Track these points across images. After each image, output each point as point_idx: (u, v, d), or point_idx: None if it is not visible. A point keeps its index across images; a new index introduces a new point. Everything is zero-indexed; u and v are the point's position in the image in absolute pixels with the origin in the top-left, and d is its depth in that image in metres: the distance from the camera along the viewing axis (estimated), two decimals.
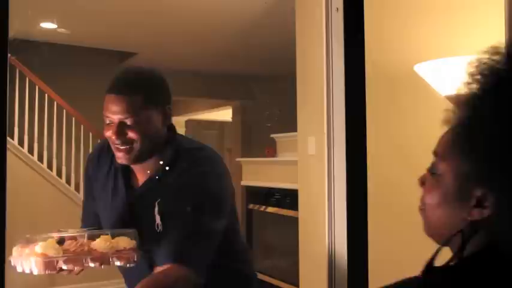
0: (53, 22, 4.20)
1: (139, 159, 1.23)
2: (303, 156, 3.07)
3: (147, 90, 1.20)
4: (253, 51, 5.12)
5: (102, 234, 1.11)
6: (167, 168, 1.25)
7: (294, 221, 3.31)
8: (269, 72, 5.90)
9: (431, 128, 2.65)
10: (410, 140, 2.67)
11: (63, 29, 4.40)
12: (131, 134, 1.17)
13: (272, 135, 4.64)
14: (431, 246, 2.37)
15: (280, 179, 4.11)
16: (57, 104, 4.69)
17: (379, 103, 2.68)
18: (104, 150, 1.34)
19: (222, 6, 3.89)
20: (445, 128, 0.74)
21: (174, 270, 1.15)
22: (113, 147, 1.21)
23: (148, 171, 1.26)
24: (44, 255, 1.04)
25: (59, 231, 1.15)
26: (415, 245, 2.60)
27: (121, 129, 1.17)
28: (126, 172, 1.29)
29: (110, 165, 1.32)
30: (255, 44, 4.83)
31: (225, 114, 7.37)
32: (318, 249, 2.88)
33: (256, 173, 4.59)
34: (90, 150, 1.45)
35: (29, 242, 1.09)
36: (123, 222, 1.26)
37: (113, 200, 1.30)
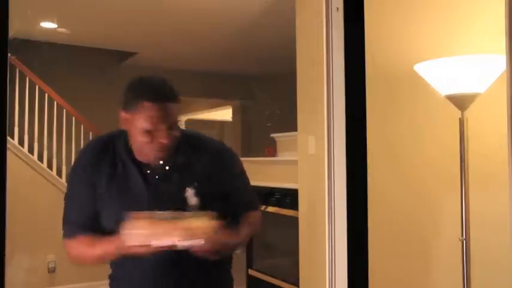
0: (53, 22, 4.20)
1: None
2: (303, 155, 3.07)
3: (177, 97, 1.35)
4: (253, 50, 5.12)
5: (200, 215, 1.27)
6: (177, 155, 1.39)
7: (294, 220, 3.30)
8: (269, 71, 5.90)
9: (427, 128, 2.65)
10: (404, 140, 2.67)
11: (63, 29, 4.40)
12: (173, 136, 1.33)
13: (272, 135, 4.64)
14: (429, 242, 2.37)
15: (280, 179, 4.11)
16: (57, 103, 4.69)
17: (378, 102, 2.68)
18: (98, 151, 1.42)
19: (222, 5, 3.89)
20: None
21: (254, 214, 1.55)
22: (150, 148, 1.32)
23: (161, 162, 1.37)
24: (202, 228, 1.21)
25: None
26: (413, 242, 2.61)
27: (169, 134, 1.31)
28: (138, 166, 1.38)
29: (113, 163, 1.39)
30: (254, 43, 4.83)
31: (225, 114, 7.36)
32: (318, 249, 2.88)
33: (256, 173, 4.59)
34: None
35: (153, 217, 1.22)
36: (140, 209, 1.34)
37: (125, 193, 1.38)
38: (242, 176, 1.57)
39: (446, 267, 2.40)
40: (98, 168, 1.39)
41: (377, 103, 2.49)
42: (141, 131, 1.29)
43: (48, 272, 4.38)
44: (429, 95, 2.39)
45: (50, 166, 4.61)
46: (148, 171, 1.38)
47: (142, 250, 1.21)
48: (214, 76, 6.23)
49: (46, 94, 4.65)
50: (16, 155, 4.35)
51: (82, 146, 4.76)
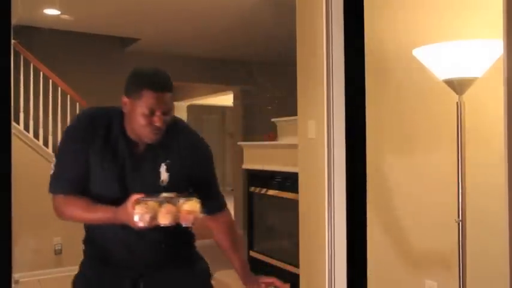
0: (56, 8, 4.21)
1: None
2: (303, 139, 3.10)
3: (172, 87, 1.53)
4: (253, 35, 5.12)
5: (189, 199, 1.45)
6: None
7: (295, 203, 3.35)
8: (270, 57, 5.90)
9: (425, 112, 2.67)
10: (402, 124, 2.70)
11: (66, 16, 4.42)
12: (166, 120, 1.51)
13: (273, 119, 4.67)
14: (427, 222, 2.39)
15: (280, 163, 4.15)
16: (61, 89, 4.73)
17: (377, 86, 2.71)
18: (96, 123, 1.58)
19: None
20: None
21: (227, 213, 1.79)
22: (147, 130, 1.51)
23: (146, 141, 1.56)
24: (190, 212, 1.41)
25: (147, 196, 1.43)
26: (412, 223, 2.65)
27: (164, 119, 1.50)
28: (128, 142, 1.57)
29: (107, 136, 1.56)
30: (255, 28, 4.83)
31: (226, 99, 7.38)
32: (317, 231, 2.93)
33: (257, 157, 4.63)
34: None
35: (148, 201, 1.41)
36: (124, 181, 1.56)
37: (113, 163, 1.56)
38: (212, 170, 1.76)
39: (442, 245, 2.46)
40: (93, 136, 1.55)
41: (376, 87, 2.52)
42: (141, 114, 1.48)
43: (55, 254, 4.48)
44: (427, 79, 2.41)
45: (55, 151, 4.65)
46: (135, 147, 1.58)
47: (143, 226, 1.39)
48: (215, 62, 6.24)
49: (50, 80, 4.68)
50: (21, 139, 4.40)
51: None
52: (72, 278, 1.69)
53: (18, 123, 4.42)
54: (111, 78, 5.40)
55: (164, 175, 1.60)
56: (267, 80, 6.04)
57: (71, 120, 1.64)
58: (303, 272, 3.17)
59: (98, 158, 1.55)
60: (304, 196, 3.14)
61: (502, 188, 1.36)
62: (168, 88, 1.51)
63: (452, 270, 2.19)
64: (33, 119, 4.57)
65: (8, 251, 1.16)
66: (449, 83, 2.12)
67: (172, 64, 6.08)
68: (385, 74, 2.74)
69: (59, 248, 4.50)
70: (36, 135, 4.57)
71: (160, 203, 1.41)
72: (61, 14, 4.36)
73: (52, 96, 4.68)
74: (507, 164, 1.29)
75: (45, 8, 4.20)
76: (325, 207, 1.76)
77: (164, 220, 1.39)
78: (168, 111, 1.51)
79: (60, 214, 1.61)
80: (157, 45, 5.55)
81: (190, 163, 1.65)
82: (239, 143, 5.19)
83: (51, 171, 1.62)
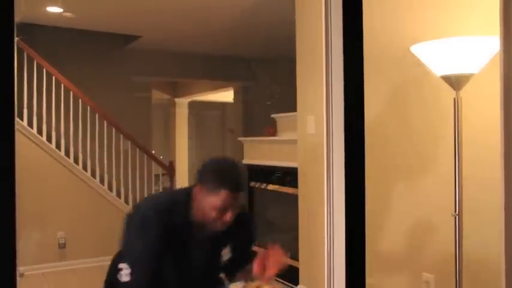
0: (58, 6, 4.24)
1: None
2: (302, 135, 3.14)
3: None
4: (254, 32, 5.15)
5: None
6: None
7: (295, 198, 3.39)
8: (269, 53, 5.92)
9: (424, 107, 2.68)
10: (402, 118, 2.73)
11: (68, 13, 4.45)
12: (235, 215, 1.58)
13: (272, 115, 4.70)
14: (423, 218, 2.41)
15: (280, 158, 4.18)
16: (64, 86, 4.78)
17: (376, 82, 2.74)
18: (170, 214, 1.61)
19: None
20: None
21: None
22: (215, 223, 1.57)
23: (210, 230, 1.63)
24: None
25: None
26: (409, 217, 2.68)
27: (234, 215, 1.57)
28: (192, 227, 1.63)
29: (172, 225, 1.59)
30: (255, 25, 4.86)
31: (226, 95, 7.41)
32: (316, 225, 2.97)
33: (257, 152, 4.66)
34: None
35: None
36: (189, 264, 1.66)
37: (186, 249, 1.65)
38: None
39: (439, 238, 2.49)
40: (161, 231, 1.57)
41: (374, 83, 2.54)
42: (213, 208, 1.54)
43: (59, 247, 4.54)
44: (425, 75, 2.44)
45: (58, 147, 4.71)
46: (199, 232, 1.63)
47: None
48: (216, 58, 6.27)
49: (53, 77, 4.73)
50: (25, 135, 4.45)
51: (89, 127, 4.86)
52: (75, 271, 1.71)
53: (22, 119, 4.47)
54: (112, 74, 5.45)
55: (227, 256, 1.72)
56: (267, 76, 6.07)
57: (132, 214, 1.65)
58: (302, 265, 3.21)
59: (166, 248, 1.59)
60: (304, 191, 3.18)
61: (498, 183, 1.39)
62: (244, 187, 1.60)
63: (448, 263, 2.23)
64: (37, 115, 4.61)
65: (12, 245, 1.18)
66: (447, 79, 2.15)
67: (173, 61, 6.12)
68: (383, 70, 2.76)
69: (63, 242, 4.56)
70: (39, 131, 4.62)
71: None
72: (63, 11, 4.40)
73: (55, 93, 4.73)
74: (503, 158, 1.31)
75: (48, 6, 4.24)
76: (325, 202, 1.79)
77: None
78: (239, 207, 1.58)
79: None
80: (158, 43, 5.58)
81: (244, 240, 1.80)
82: (239, 138, 5.22)
83: (127, 278, 1.55)
